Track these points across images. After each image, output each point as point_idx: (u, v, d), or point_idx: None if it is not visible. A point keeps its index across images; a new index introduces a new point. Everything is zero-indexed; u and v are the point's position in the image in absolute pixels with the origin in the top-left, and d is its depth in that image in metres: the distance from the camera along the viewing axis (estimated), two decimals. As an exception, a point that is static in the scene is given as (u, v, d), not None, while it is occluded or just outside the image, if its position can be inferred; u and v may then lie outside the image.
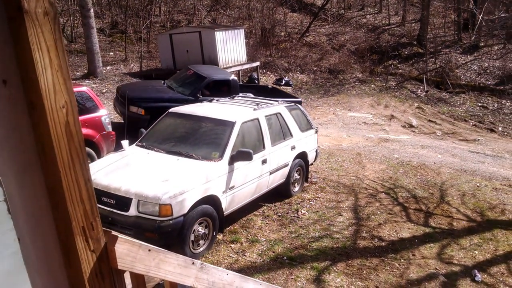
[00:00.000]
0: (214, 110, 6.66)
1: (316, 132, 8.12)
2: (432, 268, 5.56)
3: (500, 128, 15.20)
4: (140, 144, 6.18)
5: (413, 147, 11.66)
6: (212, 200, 5.31)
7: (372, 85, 19.46)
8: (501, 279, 5.46)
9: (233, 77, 10.95)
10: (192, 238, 5.11)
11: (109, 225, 4.97)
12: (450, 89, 18.54)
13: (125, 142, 6.09)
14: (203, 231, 5.25)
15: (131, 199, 4.83)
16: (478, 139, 13.63)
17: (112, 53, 18.45)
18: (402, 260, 5.67)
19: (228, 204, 5.68)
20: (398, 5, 27.34)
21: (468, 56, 21.26)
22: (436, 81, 19.43)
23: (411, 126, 14.59)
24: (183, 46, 16.27)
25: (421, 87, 19.07)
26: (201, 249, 5.33)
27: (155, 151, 5.86)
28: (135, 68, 17.08)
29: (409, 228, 6.64)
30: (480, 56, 21.15)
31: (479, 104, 17.34)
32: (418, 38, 22.44)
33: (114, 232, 1.33)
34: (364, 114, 15.81)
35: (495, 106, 17.18)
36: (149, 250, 1.41)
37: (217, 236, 5.68)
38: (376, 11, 26.88)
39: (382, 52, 21.89)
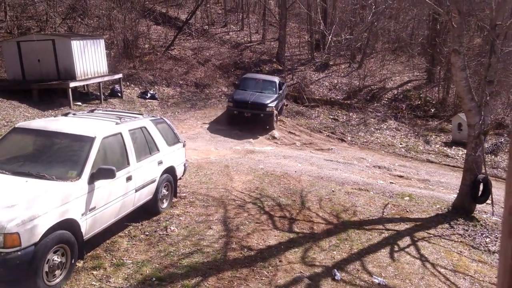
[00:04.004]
0: (70, 125, 6.08)
1: (184, 146, 8.02)
2: (297, 272, 5.86)
3: (349, 138, 17.03)
4: (-22, 165, 5.31)
5: (276, 158, 12.32)
6: (69, 225, 4.81)
7: (237, 99, 20.10)
8: (357, 275, 6.00)
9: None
10: (46, 269, 4.54)
11: None
12: (306, 103, 20.19)
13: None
14: (59, 260, 4.71)
15: (-34, 230, 4.10)
16: (332, 148, 15.05)
17: None
18: (270, 268, 5.86)
19: (89, 227, 5.20)
20: (259, 24, 28.94)
21: (320, 73, 23.47)
22: (294, 95, 20.97)
23: (274, 138, 15.42)
24: (34, 55, 14.73)
25: (282, 101, 20.37)
26: (58, 280, 4.76)
27: (-2, 172, 5.10)
28: (-27, 78, 14.87)
29: (275, 236, 6.92)
30: (330, 74, 23.53)
31: (331, 117, 19.21)
32: (277, 55, 24.02)
33: None
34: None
35: (344, 118, 19.22)
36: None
37: (77, 264, 5.15)
38: (238, 29, 28.03)
39: (245, 67, 22.85)
